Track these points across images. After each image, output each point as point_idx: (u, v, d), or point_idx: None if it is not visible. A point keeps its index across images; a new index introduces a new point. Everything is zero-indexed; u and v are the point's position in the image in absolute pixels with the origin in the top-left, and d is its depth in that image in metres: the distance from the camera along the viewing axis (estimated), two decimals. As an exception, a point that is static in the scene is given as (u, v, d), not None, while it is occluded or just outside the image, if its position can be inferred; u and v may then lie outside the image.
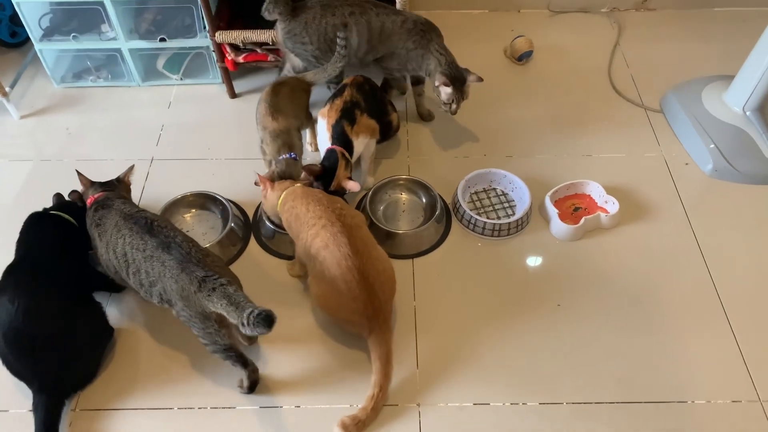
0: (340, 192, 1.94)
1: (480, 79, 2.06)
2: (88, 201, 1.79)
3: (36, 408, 1.54)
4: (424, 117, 2.39)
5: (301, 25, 2.06)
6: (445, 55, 2.05)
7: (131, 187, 1.92)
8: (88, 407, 1.65)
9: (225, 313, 1.46)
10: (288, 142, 1.96)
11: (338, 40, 2.04)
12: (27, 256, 1.71)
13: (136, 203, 2.06)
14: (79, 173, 1.85)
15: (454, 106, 2.10)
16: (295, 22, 2.07)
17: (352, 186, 1.92)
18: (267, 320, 1.39)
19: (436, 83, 2.05)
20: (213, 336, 1.56)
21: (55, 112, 2.48)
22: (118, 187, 1.85)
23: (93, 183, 1.84)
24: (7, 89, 2.39)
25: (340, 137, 1.96)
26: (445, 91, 2.04)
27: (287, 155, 1.92)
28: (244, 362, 1.62)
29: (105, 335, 1.73)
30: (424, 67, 2.09)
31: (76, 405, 1.65)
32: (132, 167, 1.91)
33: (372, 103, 2.06)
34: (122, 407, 1.65)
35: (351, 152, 1.97)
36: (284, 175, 1.89)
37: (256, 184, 1.89)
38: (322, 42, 2.08)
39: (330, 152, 1.94)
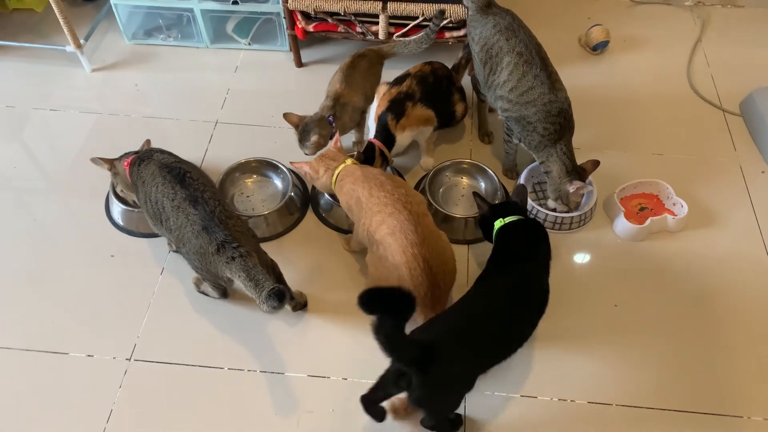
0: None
1: (596, 165, 1.90)
2: (125, 165, 1.79)
3: None
4: (483, 138, 2.25)
5: (480, 23, 1.94)
6: (571, 159, 1.86)
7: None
8: (142, 358, 1.70)
9: (242, 285, 1.51)
10: (338, 110, 1.96)
11: (431, 23, 2.03)
12: None
13: (198, 164, 2.10)
14: (97, 160, 1.85)
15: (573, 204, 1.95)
16: (478, 16, 1.94)
17: None
18: (279, 295, 1.43)
19: (572, 188, 1.85)
20: (218, 282, 1.69)
21: (124, 68, 2.52)
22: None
23: (113, 159, 1.85)
24: (81, 42, 2.43)
25: (383, 131, 1.96)
26: (580, 193, 1.87)
27: (328, 115, 1.94)
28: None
29: None
30: (541, 157, 1.90)
31: (132, 355, 1.70)
32: (147, 141, 1.88)
33: (433, 93, 2.03)
34: (173, 362, 1.69)
35: (391, 146, 1.97)
36: (307, 126, 1.91)
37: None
38: (483, 52, 1.92)
39: (369, 147, 1.94)
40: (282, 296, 1.45)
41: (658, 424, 1.59)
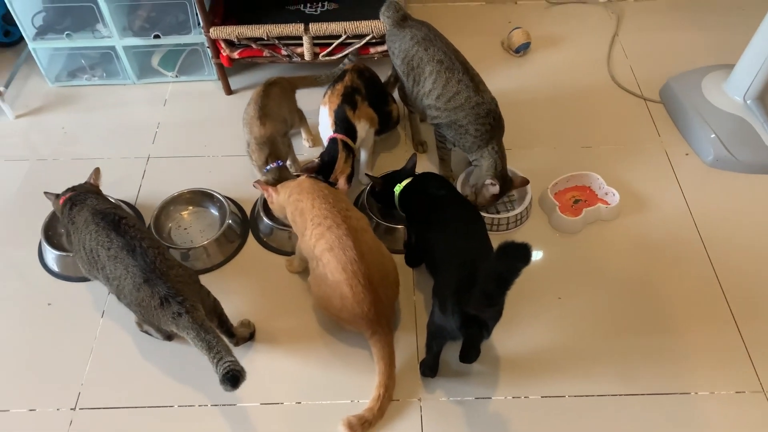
0: (332, 183, 1.94)
1: (526, 182, 1.97)
2: (60, 201, 1.75)
3: None
4: (417, 147, 2.27)
5: (398, 37, 1.99)
6: (500, 158, 1.91)
7: (100, 188, 1.86)
8: (88, 406, 1.64)
9: (190, 342, 1.46)
10: (274, 151, 1.94)
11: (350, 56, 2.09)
12: None
13: (132, 201, 2.06)
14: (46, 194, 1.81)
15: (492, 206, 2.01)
16: (395, 30, 2.00)
17: (341, 185, 1.89)
18: (233, 380, 1.39)
19: (488, 181, 1.90)
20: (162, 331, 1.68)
21: (50, 112, 2.46)
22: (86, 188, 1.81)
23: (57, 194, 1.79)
24: (1, 89, 2.37)
25: (343, 122, 1.96)
26: (492, 191, 1.91)
27: (274, 164, 1.91)
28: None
29: None
30: (474, 156, 1.95)
31: (76, 404, 1.64)
32: (97, 170, 1.86)
33: (372, 92, 2.05)
34: (121, 405, 1.64)
35: (354, 137, 1.97)
36: (278, 182, 1.88)
37: (255, 186, 1.88)
38: (405, 64, 1.97)
39: (331, 142, 1.94)
40: (236, 381, 1.39)
41: (611, 410, 1.62)
